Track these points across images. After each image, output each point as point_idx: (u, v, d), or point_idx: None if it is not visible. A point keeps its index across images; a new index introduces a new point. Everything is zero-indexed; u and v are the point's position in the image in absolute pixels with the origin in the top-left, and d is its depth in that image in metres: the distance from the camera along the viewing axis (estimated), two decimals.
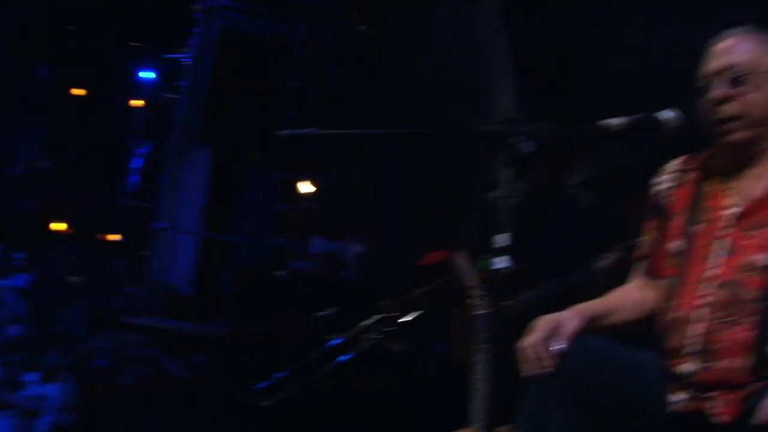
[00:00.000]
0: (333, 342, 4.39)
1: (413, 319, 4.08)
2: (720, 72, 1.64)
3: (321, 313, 4.32)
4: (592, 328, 1.69)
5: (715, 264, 1.60)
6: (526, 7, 5.42)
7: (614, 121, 1.60)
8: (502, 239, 1.38)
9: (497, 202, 3.28)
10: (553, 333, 1.59)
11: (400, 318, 4.10)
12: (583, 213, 3.08)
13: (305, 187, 9.25)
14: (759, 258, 1.54)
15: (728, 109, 1.61)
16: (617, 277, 2.72)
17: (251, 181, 9.59)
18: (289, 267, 4.88)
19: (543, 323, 1.62)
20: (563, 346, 1.56)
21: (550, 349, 1.57)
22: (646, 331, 1.79)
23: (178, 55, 9.33)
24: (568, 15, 5.09)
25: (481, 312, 2.54)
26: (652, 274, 1.81)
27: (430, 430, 3.19)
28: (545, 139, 1.47)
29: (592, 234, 2.94)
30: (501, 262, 1.37)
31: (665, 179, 1.82)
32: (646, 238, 1.86)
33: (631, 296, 1.82)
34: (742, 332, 1.51)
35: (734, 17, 1.82)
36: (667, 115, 1.65)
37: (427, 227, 7.31)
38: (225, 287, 6.69)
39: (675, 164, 1.84)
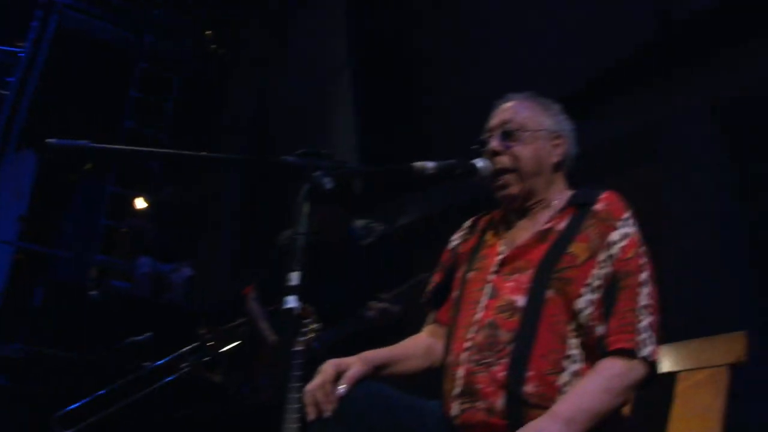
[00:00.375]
0: (147, 368, 4.21)
1: (231, 350, 3.99)
2: (497, 127, 1.86)
3: (136, 338, 4.10)
4: (380, 375, 1.74)
5: (481, 307, 1.71)
6: (370, 48, 5.57)
7: (429, 164, 1.67)
8: (293, 277, 1.36)
9: (292, 239, 3.33)
10: (336, 378, 1.61)
11: (219, 348, 4.00)
12: (375, 253, 3.12)
13: (137, 203, 8.84)
14: (517, 299, 1.65)
15: (502, 160, 1.80)
16: (400, 316, 2.82)
17: (80, 192, 9.03)
18: (106, 286, 4.59)
19: (327, 368, 1.66)
20: (344, 390, 1.58)
21: (333, 393, 1.59)
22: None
23: (16, 49, 8.64)
24: (408, 57, 5.29)
25: (289, 350, 2.53)
26: (440, 322, 1.91)
27: None
28: (347, 177, 1.47)
29: (383, 275, 2.99)
30: (291, 302, 1.35)
31: (458, 236, 1.99)
32: (434, 288, 1.98)
33: (422, 344, 1.91)
34: (497, 373, 1.60)
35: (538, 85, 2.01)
36: (483, 163, 1.78)
37: (257, 255, 7.22)
38: (35, 304, 6.20)
39: (469, 221, 2.01)
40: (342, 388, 1.60)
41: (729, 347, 1.91)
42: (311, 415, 1.58)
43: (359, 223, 3.27)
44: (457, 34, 5.02)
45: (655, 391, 2.07)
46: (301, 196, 1.41)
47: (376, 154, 5.23)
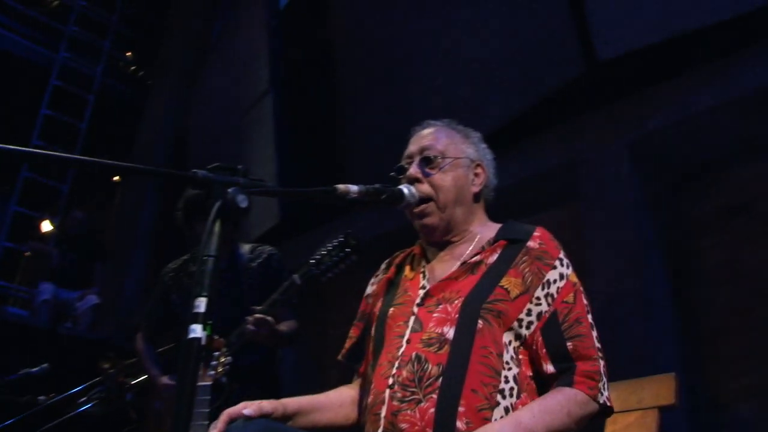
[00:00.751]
0: (42, 402, 3.93)
1: (139, 383, 3.77)
2: (416, 153, 1.77)
3: (30, 370, 3.79)
4: (298, 423, 1.61)
5: (405, 341, 1.60)
6: (292, 75, 5.51)
7: (353, 188, 1.56)
8: (200, 304, 1.20)
9: (176, 272, 3.19)
10: (241, 411, 1.49)
11: (123, 382, 3.76)
12: (265, 275, 3.03)
13: (44, 226, 8.39)
14: (445, 330, 1.56)
15: (421, 188, 1.71)
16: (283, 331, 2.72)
17: None
18: (3, 313, 4.25)
19: (234, 408, 1.53)
20: (248, 411, 1.49)
21: (237, 427, 1.46)
22: None
23: None
24: (330, 86, 5.25)
25: (200, 384, 2.36)
26: (360, 370, 1.80)
27: None
28: (266, 195, 1.34)
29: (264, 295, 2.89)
30: (196, 331, 1.18)
31: (373, 281, 1.90)
32: (353, 342, 1.86)
33: (347, 394, 1.77)
34: (426, 410, 1.48)
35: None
36: (408, 190, 1.68)
37: None
38: None
39: (383, 264, 1.93)
40: (246, 410, 1.46)
41: (658, 389, 1.88)
42: None
43: (246, 246, 3.15)
44: (378, 66, 5.00)
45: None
46: (213, 214, 1.26)
47: (296, 181, 5.14)
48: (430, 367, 1.52)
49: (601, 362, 1.57)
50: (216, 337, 2.47)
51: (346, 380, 1.87)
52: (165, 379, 3.01)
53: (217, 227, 1.27)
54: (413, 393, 1.51)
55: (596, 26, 3.41)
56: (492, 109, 3.91)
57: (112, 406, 4.05)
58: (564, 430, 1.48)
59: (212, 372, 2.37)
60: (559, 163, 3.62)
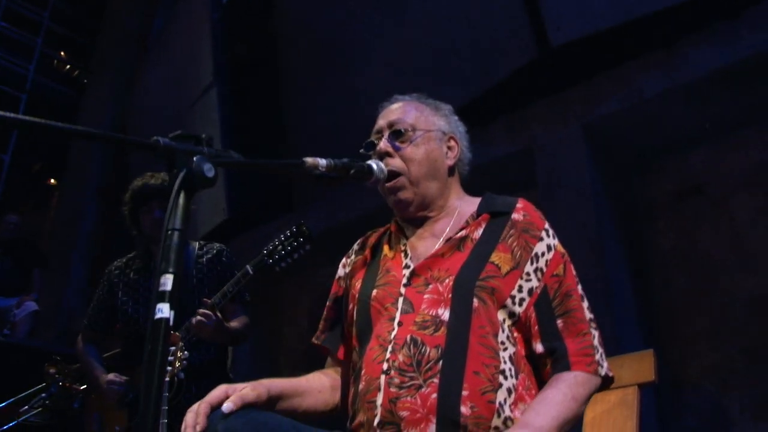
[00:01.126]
0: None
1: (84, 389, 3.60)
2: (385, 128, 1.70)
3: None
4: (277, 408, 1.51)
5: (397, 324, 1.52)
6: (236, 69, 5.39)
7: (321, 161, 1.48)
8: (167, 281, 1.10)
9: (121, 269, 3.10)
10: (223, 400, 1.38)
11: (69, 387, 3.59)
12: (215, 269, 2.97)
13: None
14: (440, 311, 1.49)
15: (392, 162, 1.64)
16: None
17: None
18: None
19: (216, 391, 1.41)
20: (228, 407, 1.35)
21: (219, 415, 1.35)
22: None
23: None
24: (273, 83, 5.16)
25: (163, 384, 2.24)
26: (338, 356, 1.72)
27: None
28: (233, 166, 1.25)
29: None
30: (163, 311, 1.09)
31: (346, 262, 1.81)
32: (326, 325, 1.79)
33: (327, 380, 1.69)
34: (427, 396, 1.41)
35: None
36: (377, 165, 1.61)
37: None
38: None
39: (355, 244, 1.84)
40: (227, 405, 1.35)
41: (638, 366, 1.85)
42: None
43: (194, 243, 3.07)
44: (324, 58, 4.93)
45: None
46: (177, 183, 1.15)
47: (242, 175, 5.03)
48: (428, 350, 1.44)
49: (595, 333, 1.53)
50: (172, 332, 2.36)
51: (308, 370, 1.78)
52: (110, 376, 2.87)
53: (181, 199, 1.17)
54: (412, 378, 1.43)
55: (548, 13, 3.41)
56: (444, 97, 3.87)
57: (57, 413, 3.88)
58: (576, 416, 1.45)
59: (169, 368, 2.26)
60: (515, 149, 3.61)
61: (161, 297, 1.09)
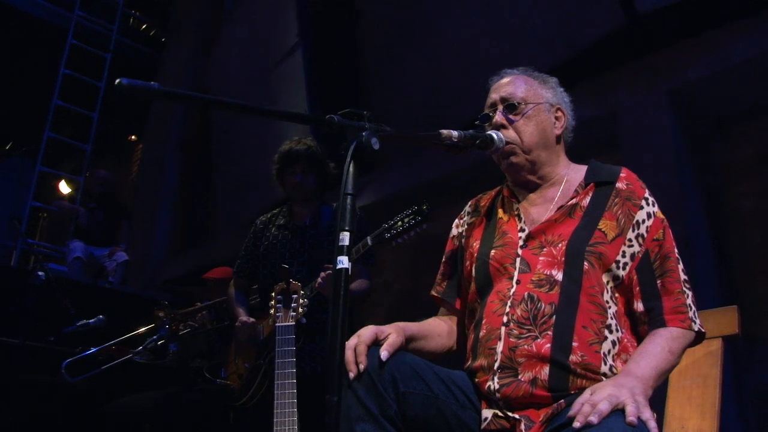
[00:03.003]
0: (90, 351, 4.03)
1: (190, 332, 3.90)
2: (498, 102, 1.89)
3: (87, 321, 3.94)
4: (408, 347, 1.73)
5: (515, 282, 1.73)
6: (320, 30, 5.54)
7: (454, 133, 1.67)
8: (344, 238, 1.32)
9: (266, 224, 3.36)
10: (374, 341, 1.61)
11: (179, 331, 3.89)
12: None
13: (62, 187, 8.48)
14: (554, 272, 1.69)
15: (507, 134, 1.84)
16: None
17: (4, 173, 8.60)
18: (46, 269, 4.36)
19: (365, 332, 1.63)
20: (386, 355, 1.57)
21: (364, 354, 1.58)
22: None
23: None
24: (354, 42, 5.29)
25: (281, 324, 2.51)
26: (455, 306, 1.94)
27: None
28: (390, 139, 1.46)
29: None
30: (343, 262, 1.31)
31: (460, 222, 2.01)
32: (443, 278, 2.00)
33: (444, 325, 1.92)
34: (542, 345, 1.62)
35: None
36: (497, 135, 1.80)
37: (198, 235, 7.10)
38: None
39: (468, 206, 2.05)
40: (384, 353, 1.57)
41: (722, 320, 2.03)
42: (347, 370, 1.55)
43: (333, 205, 3.34)
44: (405, 18, 5.05)
45: None
46: (350, 154, 1.37)
47: (326, 136, 5.22)
48: (543, 306, 1.66)
49: (689, 293, 1.71)
50: (292, 281, 2.62)
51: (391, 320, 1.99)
52: (243, 318, 3.16)
53: (352, 167, 1.38)
54: (529, 330, 1.64)
55: None
56: (528, 61, 3.98)
57: (158, 354, 4.21)
58: (672, 367, 1.63)
59: (293, 313, 2.52)
60: (600, 113, 3.71)
61: (340, 251, 1.32)
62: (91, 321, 3.95)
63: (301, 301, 2.57)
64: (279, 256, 3.23)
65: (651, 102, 3.51)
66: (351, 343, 1.60)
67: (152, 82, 1.22)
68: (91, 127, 7.90)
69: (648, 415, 1.39)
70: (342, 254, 1.33)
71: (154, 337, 3.97)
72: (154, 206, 7.50)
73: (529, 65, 3.92)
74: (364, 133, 1.40)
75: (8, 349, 3.88)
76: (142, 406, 3.79)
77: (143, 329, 4.16)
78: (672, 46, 3.52)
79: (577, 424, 1.37)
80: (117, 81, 1.19)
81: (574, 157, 1.98)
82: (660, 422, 2.01)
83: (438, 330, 1.88)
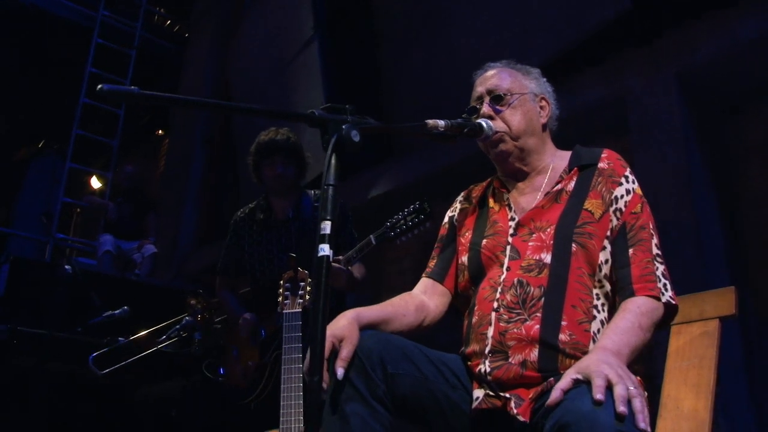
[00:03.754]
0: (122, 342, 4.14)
1: (219, 321, 3.98)
2: (485, 94, 1.94)
3: (113, 312, 4.06)
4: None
5: (505, 269, 1.78)
6: (335, 23, 5.59)
7: (440, 122, 1.72)
8: (325, 227, 1.38)
9: (243, 219, 3.34)
10: (332, 349, 1.62)
11: (208, 319, 3.96)
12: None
13: (93, 182, 8.71)
14: (543, 256, 1.74)
15: (495, 124, 1.88)
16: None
17: (36, 169, 8.85)
18: (74, 263, 4.52)
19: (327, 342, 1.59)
20: (341, 373, 1.58)
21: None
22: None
23: None
24: (370, 34, 5.34)
25: (289, 311, 2.58)
26: (444, 284, 1.98)
27: None
28: (371, 131, 1.50)
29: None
30: (324, 250, 1.36)
31: (453, 209, 2.08)
32: (437, 256, 2.05)
33: (412, 302, 1.93)
34: (531, 327, 1.66)
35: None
36: (486, 123, 1.85)
37: (223, 227, 7.24)
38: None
39: (461, 194, 2.11)
40: (339, 371, 1.58)
41: (719, 301, 2.04)
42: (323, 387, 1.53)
43: (311, 194, 3.34)
44: (418, 8, 5.08)
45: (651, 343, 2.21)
46: (331, 147, 1.43)
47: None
48: (532, 290, 1.71)
49: (660, 266, 1.71)
50: (300, 269, 2.69)
51: None
52: (246, 315, 3.21)
53: (334, 159, 1.44)
54: (519, 314, 1.69)
55: None
56: (538, 47, 4.01)
57: (185, 344, 4.30)
58: (644, 343, 1.62)
59: (300, 300, 2.59)
60: (609, 96, 3.72)
61: (322, 239, 1.38)
62: (116, 312, 4.05)
63: (308, 288, 2.64)
64: (267, 252, 3.24)
65: (659, 84, 3.50)
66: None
67: (133, 87, 1.29)
68: (117, 123, 8.07)
69: (635, 391, 1.35)
70: (324, 242, 1.38)
71: (177, 326, 4.07)
72: (180, 199, 7.66)
73: (538, 51, 3.96)
74: (344, 126, 1.45)
75: (37, 339, 4.01)
76: (169, 394, 3.89)
77: (167, 322, 4.24)
78: (679, 27, 3.50)
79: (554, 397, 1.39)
80: (98, 87, 1.25)
81: (584, 142, 2.02)
82: (656, 403, 2.05)
83: (402, 310, 1.88)
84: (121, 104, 7.92)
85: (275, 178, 3.21)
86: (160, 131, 9.62)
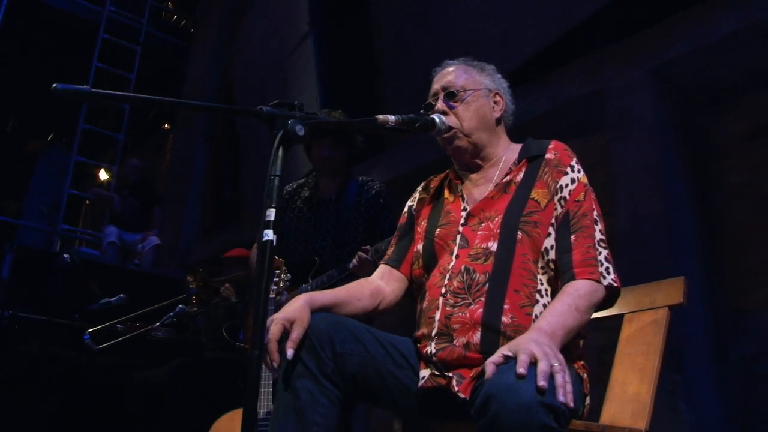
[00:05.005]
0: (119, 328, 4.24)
1: (211, 306, 4.08)
2: (440, 91, 2.04)
3: (109, 299, 4.19)
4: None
5: (455, 257, 1.88)
6: (331, 18, 5.69)
7: (390, 117, 1.82)
8: (270, 214, 1.48)
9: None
10: (284, 331, 1.71)
11: (204, 298, 4.06)
12: (366, 210, 3.23)
13: (101, 174, 8.88)
14: (490, 245, 1.83)
15: (448, 119, 1.98)
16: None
17: (44, 161, 9.03)
18: (76, 252, 4.66)
19: (274, 327, 1.71)
20: (291, 354, 1.67)
21: (315, 319, 1.74)
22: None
23: None
24: (364, 29, 5.43)
25: (269, 296, 2.68)
26: (400, 270, 2.08)
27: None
28: (319, 126, 1.60)
29: (368, 231, 3.12)
30: (268, 235, 1.47)
31: (412, 199, 2.19)
32: (395, 244, 2.15)
33: (368, 287, 2.02)
34: (474, 311, 1.76)
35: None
36: (439, 118, 1.94)
37: (226, 220, 7.37)
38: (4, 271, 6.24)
39: (420, 185, 2.22)
40: (289, 351, 1.67)
41: (669, 291, 2.13)
42: (275, 366, 1.68)
43: (359, 179, 3.33)
44: (412, 3, 5.17)
45: (605, 329, 2.30)
46: (277, 141, 1.53)
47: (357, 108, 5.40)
48: (477, 276, 1.80)
49: (602, 251, 1.79)
50: (276, 257, 2.77)
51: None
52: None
53: (281, 152, 1.55)
54: (464, 299, 1.79)
55: None
56: (520, 42, 4.11)
57: (180, 329, 4.40)
58: (580, 324, 1.69)
59: (274, 287, 2.69)
60: (587, 91, 3.80)
61: (267, 225, 1.48)
62: (113, 299, 4.18)
63: (282, 276, 2.72)
64: (304, 230, 3.26)
65: (637, 79, 3.58)
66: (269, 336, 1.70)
67: (85, 86, 1.39)
68: (123, 117, 8.22)
69: (558, 367, 1.41)
70: (268, 228, 1.49)
71: (171, 314, 4.16)
72: (184, 192, 7.80)
73: (525, 45, 4.04)
74: (289, 122, 1.55)
75: (37, 325, 4.15)
76: (162, 378, 3.99)
77: (166, 302, 4.31)
78: (655, 24, 3.58)
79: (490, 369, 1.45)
80: (53, 86, 1.36)
81: (564, 135, 2.10)
82: (605, 386, 2.14)
83: (356, 294, 1.97)
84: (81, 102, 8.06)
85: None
86: (166, 125, 9.77)
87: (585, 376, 1.85)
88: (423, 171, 4.54)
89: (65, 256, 4.27)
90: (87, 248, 7.08)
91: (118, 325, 4.19)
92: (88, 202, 9.41)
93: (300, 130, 1.56)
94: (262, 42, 6.93)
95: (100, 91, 1.42)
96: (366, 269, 2.84)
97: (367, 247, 2.82)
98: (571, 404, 1.38)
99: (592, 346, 1.87)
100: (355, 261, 2.84)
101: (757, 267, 3.37)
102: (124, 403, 3.92)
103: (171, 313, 4.11)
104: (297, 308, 1.76)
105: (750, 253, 3.40)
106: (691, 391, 3.01)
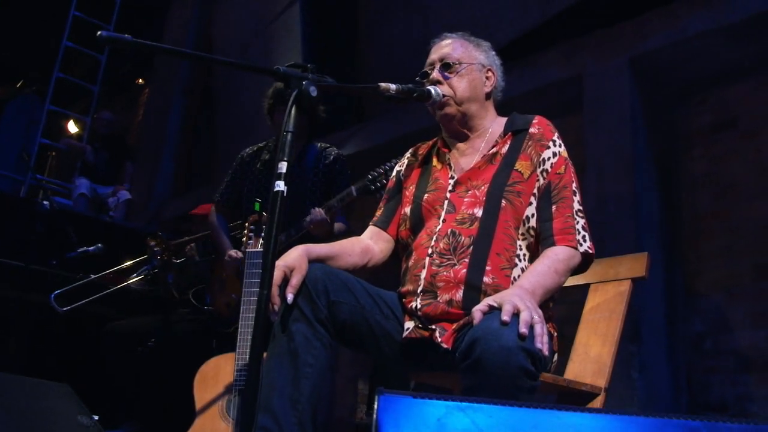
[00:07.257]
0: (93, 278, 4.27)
1: (179, 263, 4.14)
2: (437, 61, 2.16)
3: (87, 248, 4.24)
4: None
5: (441, 221, 2.02)
6: None
7: (392, 86, 1.94)
8: (282, 166, 1.60)
9: (253, 155, 3.48)
10: (284, 278, 1.83)
11: (167, 260, 4.12)
12: (329, 172, 3.34)
13: (70, 126, 8.79)
14: (475, 211, 1.98)
15: (442, 89, 2.10)
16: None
17: (13, 109, 8.90)
18: (52, 200, 4.66)
19: (276, 272, 1.82)
20: (291, 299, 1.81)
21: (312, 269, 1.87)
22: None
23: None
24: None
25: (251, 250, 2.79)
26: (387, 231, 2.21)
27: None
28: (329, 89, 1.72)
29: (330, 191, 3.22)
30: (280, 186, 1.59)
31: (401, 164, 2.32)
32: (383, 206, 2.28)
33: (359, 245, 2.16)
34: (458, 271, 1.91)
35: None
36: (434, 90, 2.07)
37: (200, 180, 7.41)
38: None
39: (408, 151, 2.35)
40: (289, 296, 1.80)
41: (633, 265, 2.33)
42: (275, 309, 1.79)
43: (317, 145, 3.44)
44: None
45: (573, 297, 2.48)
46: (292, 99, 1.65)
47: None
48: (462, 239, 1.95)
49: (580, 220, 1.95)
50: (264, 213, 2.87)
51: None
52: (231, 252, 3.34)
53: (294, 110, 1.67)
54: (449, 259, 1.93)
55: None
56: (505, 24, 4.25)
57: (155, 283, 4.45)
58: (557, 285, 1.86)
59: (262, 241, 2.80)
60: (566, 75, 3.97)
61: (278, 176, 1.61)
62: (90, 248, 4.23)
63: (246, 231, 2.82)
64: (263, 192, 3.32)
65: (613, 67, 3.75)
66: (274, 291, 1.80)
67: (126, 35, 1.49)
68: (99, 69, 8.15)
69: (537, 319, 1.55)
70: (280, 179, 1.62)
71: (147, 266, 4.22)
72: (158, 148, 7.80)
73: (508, 27, 4.17)
74: (304, 82, 1.67)
75: (14, 271, 4.18)
76: (137, 330, 4.06)
77: (134, 260, 4.36)
78: (634, 17, 3.75)
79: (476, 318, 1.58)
80: (98, 33, 1.45)
81: (543, 115, 2.22)
82: (568, 349, 2.33)
83: (348, 250, 2.10)
84: (104, 50, 8.02)
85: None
86: (140, 80, 9.69)
87: (555, 334, 2.02)
88: (399, 142, 4.74)
89: (45, 203, 4.31)
90: (59, 198, 7.03)
91: (92, 275, 4.23)
92: (53, 153, 9.32)
93: (313, 91, 1.68)
94: (245, 5, 6.93)
95: (142, 41, 1.51)
96: (320, 228, 2.96)
97: (317, 209, 2.93)
98: (546, 352, 1.55)
99: (554, 318, 2.04)
100: (307, 218, 2.94)
101: (711, 252, 3.61)
102: (98, 350, 3.97)
103: (147, 266, 4.17)
104: (296, 257, 1.89)
105: (705, 239, 3.64)
106: (645, 361, 3.24)
